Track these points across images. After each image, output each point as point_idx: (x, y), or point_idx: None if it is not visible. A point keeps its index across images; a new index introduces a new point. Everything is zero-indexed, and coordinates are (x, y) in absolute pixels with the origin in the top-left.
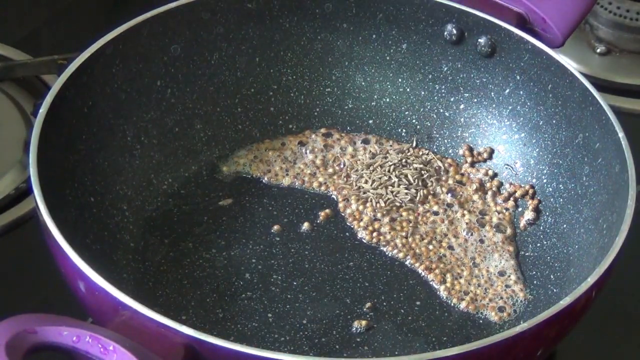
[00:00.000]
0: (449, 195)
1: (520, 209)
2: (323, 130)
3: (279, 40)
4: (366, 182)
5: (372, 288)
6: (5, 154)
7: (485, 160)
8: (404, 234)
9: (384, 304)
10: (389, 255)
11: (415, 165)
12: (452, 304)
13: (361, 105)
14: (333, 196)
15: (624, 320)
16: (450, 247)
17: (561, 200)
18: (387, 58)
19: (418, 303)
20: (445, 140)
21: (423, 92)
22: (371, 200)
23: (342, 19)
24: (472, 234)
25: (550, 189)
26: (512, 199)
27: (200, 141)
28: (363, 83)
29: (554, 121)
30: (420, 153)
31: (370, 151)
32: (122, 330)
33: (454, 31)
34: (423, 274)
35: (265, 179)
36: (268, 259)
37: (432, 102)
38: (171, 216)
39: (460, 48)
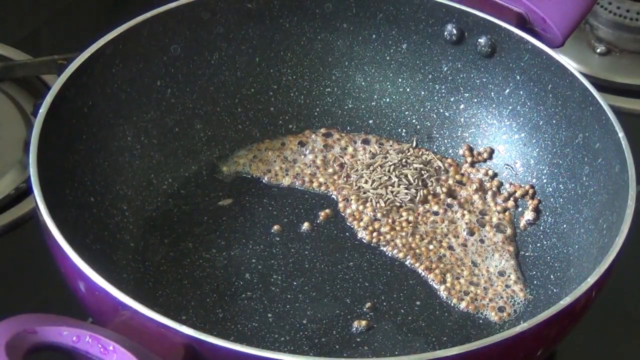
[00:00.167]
0: (449, 195)
1: (520, 209)
2: (323, 130)
3: (279, 40)
4: (366, 182)
5: (372, 288)
6: (5, 154)
7: (485, 160)
8: (404, 234)
9: (384, 304)
10: (389, 255)
11: (415, 165)
12: (452, 304)
13: (361, 105)
14: (333, 196)
15: (624, 320)
16: (451, 247)
17: (561, 200)
18: (387, 58)
19: (418, 303)
20: (445, 140)
21: (423, 92)
22: (371, 200)
23: (342, 19)
24: (472, 234)
25: (550, 189)
26: (512, 199)
27: (200, 141)
28: (363, 83)
29: (554, 121)
30: (420, 153)
31: (370, 151)
32: (122, 330)
33: (454, 31)
34: (423, 274)
35: (265, 179)
36: (268, 259)
37: (432, 102)
38: (171, 216)
39: (460, 48)
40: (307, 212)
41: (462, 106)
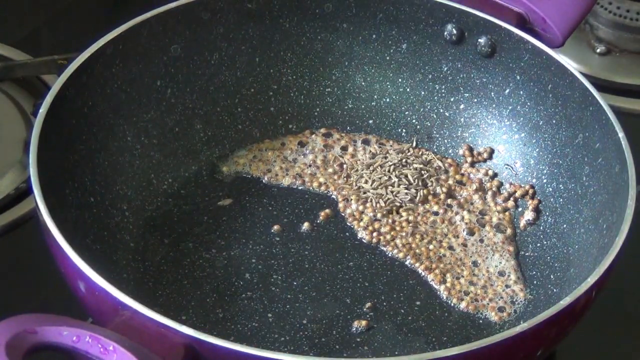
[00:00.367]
0: (449, 195)
1: (520, 209)
2: (323, 130)
3: (279, 40)
4: (366, 182)
5: (372, 288)
6: (5, 154)
7: (485, 160)
8: (404, 234)
9: (384, 304)
10: (389, 255)
11: (415, 165)
12: (452, 304)
13: (361, 105)
14: (333, 196)
15: (624, 320)
16: (451, 247)
17: (561, 200)
18: (387, 58)
19: (418, 303)
20: (445, 140)
21: (423, 92)
22: (371, 200)
23: (342, 19)
24: (472, 234)
25: (550, 189)
26: (512, 199)
27: (200, 141)
28: (363, 83)
29: (554, 121)
30: (420, 153)
31: (370, 151)
32: (122, 330)
33: (454, 31)
34: (423, 274)
35: (265, 179)
36: (268, 259)
37: (432, 102)
38: (171, 216)
39: (460, 48)
40: (307, 212)
41: (462, 106)
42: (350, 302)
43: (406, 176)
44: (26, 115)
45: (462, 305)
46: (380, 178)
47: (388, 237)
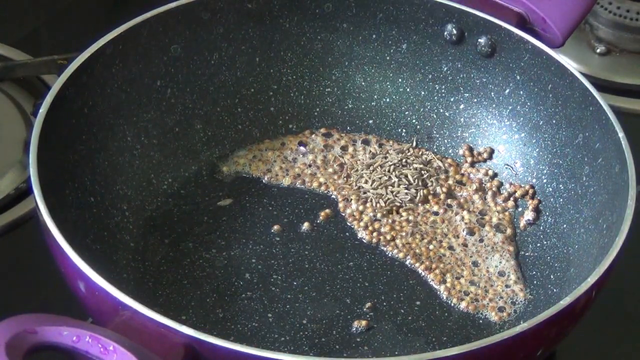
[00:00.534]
0: (449, 195)
1: (520, 209)
2: (323, 130)
3: (279, 40)
4: (366, 182)
5: (372, 288)
6: (5, 154)
7: (485, 160)
8: (404, 234)
9: (384, 304)
10: (389, 255)
11: (415, 165)
12: (452, 304)
13: (361, 105)
14: (333, 196)
15: (624, 320)
16: (451, 247)
17: (561, 200)
18: (387, 58)
19: (418, 303)
20: (445, 140)
21: (423, 92)
22: (371, 200)
23: (342, 19)
24: (472, 234)
25: (550, 189)
26: (512, 199)
27: (200, 141)
28: (363, 83)
29: (554, 121)
30: (420, 153)
31: (370, 151)
32: (122, 330)
33: (454, 31)
34: (423, 274)
35: (265, 179)
36: (268, 259)
37: (432, 102)
38: (171, 216)
39: (460, 48)
40: (307, 212)
41: (462, 106)
42: (350, 302)
43: (406, 176)
44: (26, 115)
45: (462, 305)
46: (380, 178)
47: (388, 237)
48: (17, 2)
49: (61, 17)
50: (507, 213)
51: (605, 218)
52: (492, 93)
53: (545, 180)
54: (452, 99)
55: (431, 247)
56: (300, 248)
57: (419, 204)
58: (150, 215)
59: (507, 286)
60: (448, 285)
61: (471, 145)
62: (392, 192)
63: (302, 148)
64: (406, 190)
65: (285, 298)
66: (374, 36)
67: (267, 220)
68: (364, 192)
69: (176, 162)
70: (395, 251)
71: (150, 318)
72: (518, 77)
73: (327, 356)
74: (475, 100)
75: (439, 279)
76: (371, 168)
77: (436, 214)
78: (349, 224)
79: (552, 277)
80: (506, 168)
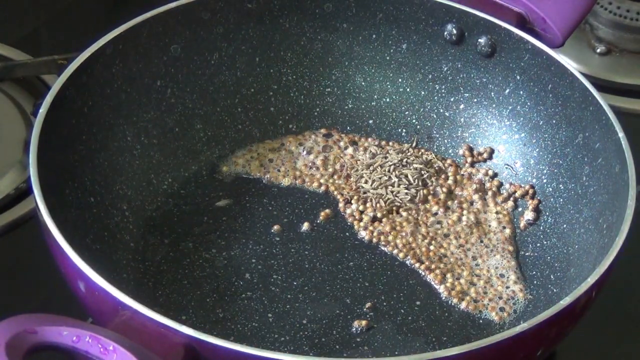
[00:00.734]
0: (449, 195)
1: (520, 209)
2: (323, 131)
3: (279, 40)
4: (366, 182)
5: (372, 288)
6: (5, 154)
7: (485, 160)
8: (404, 234)
9: (384, 304)
10: (389, 255)
11: (415, 165)
12: (452, 304)
13: (361, 105)
14: (333, 196)
15: (624, 320)
16: (451, 247)
17: (561, 200)
18: (387, 58)
19: (418, 303)
20: (445, 140)
21: (423, 92)
22: (371, 200)
23: (342, 19)
24: (472, 234)
25: (550, 189)
26: (512, 199)
27: (200, 141)
28: (363, 83)
29: (554, 121)
30: (420, 153)
31: (370, 151)
32: (122, 330)
33: (454, 31)
34: (423, 274)
35: (265, 179)
36: (268, 259)
37: (432, 102)
38: (171, 216)
39: (460, 48)
40: (307, 212)
41: (462, 106)
42: (350, 302)
43: (406, 176)
44: (26, 115)
45: (462, 305)
46: (380, 178)
47: (388, 237)
48: (17, 2)
49: (61, 17)
50: (507, 213)
51: (605, 218)
52: (492, 93)
53: (545, 180)
54: (452, 99)
55: (431, 247)
56: (300, 248)
57: (419, 204)
58: (150, 215)
59: (507, 286)
60: (448, 285)
61: (471, 145)
62: (392, 192)
63: (302, 148)
64: (406, 190)
65: (285, 298)
66: (374, 36)
67: (267, 220)
68: (364, 192)
69: (176, 162)
70: (395, 251)
71: (150, 318)
72: (518, 77)
73: (327, 356)
74: (475, 100)
75: (439, 279)
76: (371, 168)
77: (436, 214)
78: (349, 224)
79: (552, 277)
80: (506, 168)
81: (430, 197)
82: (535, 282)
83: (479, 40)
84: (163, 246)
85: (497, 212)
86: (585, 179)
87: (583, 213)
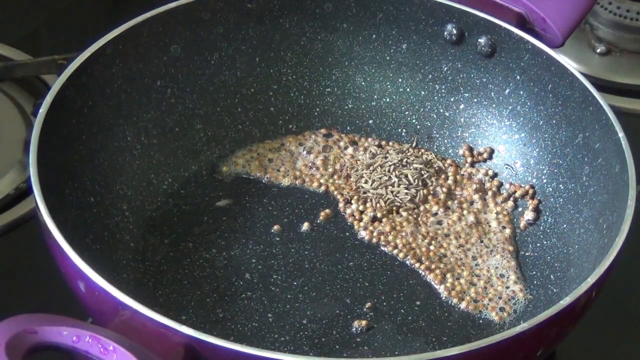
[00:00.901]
0: (449, 195)
1: (520, 209)
2: (323, 131)
3: (279, 40)
4: (366, 182)
5: (372, 288)
6: (5, 154)
7: (485, 160)
8: (404, 234)
9: (384, 304)
10: (389, 255)
11: (415, 165)
12: (452, 304)
13: (361, 105)
14: (333, 196)
15: (624, 320)
16: (451, 247)
17: (561, 200)
18: (387, 58)
19: (418, 303)
20: (445, 140)
21: (423, 92)
22: (371, 200)
23: (342, 19)
24: (472, 234)
25: (550, 189)
26: (512, 199)
27: (200, 141)
28: (363, 83)
29: (554, 121)
30: (420, 153)
31: (370, 151)
32: (122, 330)
33: (454, 31)
34: (423, 274)
35: (265, 179)
36: (268, 259)
37: (432, 102)
38: (171, 216)
39: (460, 48)
40: (307, 212)
41: (462, 106)
42: (350, 302)
43: (406, 176)
44: (26, 115)
45: (462, 305)
46: (380, 178)
47: (388, 237)
48: (17, 2)
49: (61, 17)
50: (507, 213)
51: (605, 218)
52: (492, 93)
53: (545, 180)
54: (452, 99)
55: (431, 247)
56: (300, 248)
57: (419, 204)
58: (150, 215)
59: (507, 286)
60: (448, 285)
61: (471, 145)
62: (392, 192)
63: (302, 148)
64: (406, 190)
65: (285, 298)
66: (374, 36)
67: (267, 220)
68: (364, 192)
69: (176, 162)
70: (396, 251)
71: (150, 318)
72: (518, 77)
73: (327, 356)
74: (475, 100)
75: (439, 279)
76: (371, 168)
77: (436, 214)
78: (349, 224)
79: (552, 277)
80: (506, 168)
81: (430, 197)
82: (535, 282)
83: (479, 40)
84: (163, 246)
85: (497, 212)
86: (585, 179)
87: (583, 213)
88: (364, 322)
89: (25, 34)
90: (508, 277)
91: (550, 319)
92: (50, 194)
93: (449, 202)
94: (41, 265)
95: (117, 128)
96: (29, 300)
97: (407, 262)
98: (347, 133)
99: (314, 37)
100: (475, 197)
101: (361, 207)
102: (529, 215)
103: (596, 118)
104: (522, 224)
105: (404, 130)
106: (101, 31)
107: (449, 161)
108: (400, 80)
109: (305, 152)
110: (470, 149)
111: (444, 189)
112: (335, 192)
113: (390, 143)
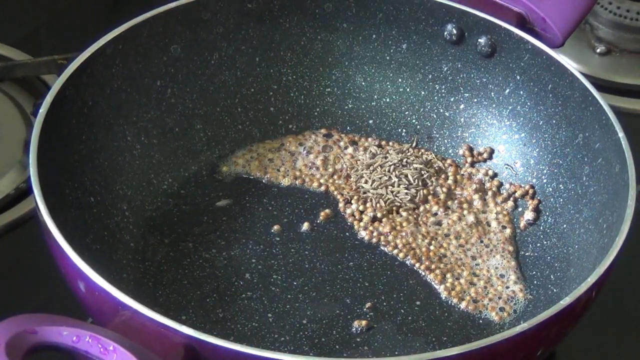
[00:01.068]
0: (449, 195)
1: (520, 209)
2: (323, 131)
3: (279, 40)
4: (366, 182)
5: (372, 288)
6: (5, 154)
7: (485, 160)
8: (404, 234)
9: (384, 304)
10: (389, 255)
11: (415, 165)
12: (452, 304)
13: (361, 105)
14: (333, 196)
15: (624, 320)
16: (451, 247)
17: (561, 200)
18: (387, 58)
19: (418, 303)
20: (445, 140)
21: (423, 92)
22: (371, 200)
23: (342, 19)
24: (472, 234)
25: (550, 189)
26: (512, 199)
27: (200, 141)
28: (363, 83)
29: (554, 121)
30: (420, 153)
31: (370, 151)
32: (122, 330)
33: (454, 31)
34: (423, 274)
35: (265, 179)
36: (268, 259)
37: (432, 102)
38: (171, 216)
39: (460, 48)
40: (307, 212)
41: (462, 106)
42: (350, 302)
43: (406, 176)
44: (26, 115)
45: (462, 305)
46: (380, 178)
47: (388, 237)
48: (17, 2)
49: (61, 17)
50: (507, 213)
51: (605, 218)
52: (492, 93)
53: (545, 180)
54: (452, 99)
55: (431, 247)
56: (300, 248)
57: (419, 204)
58: (150, 215)
59: (507, 286)
60: (448, 285)
61: (471, 145)
62: (392, 192)
63: (302, 148)
64: (406, 190)
65: (285, 298)
66: (374, 36)
67: (267, 220)
68: (364, 192)
69: (176, 162)
70: (395, 251)
71: (150, 318)
72: (518, 77)
73: (327, 356)
74: (475, 100)
75: (439, 279)
76: (371, 168)
77: (436, 214)
78: (349, 224)
79: (552, 277)
80: (506, 168)
81: (430, 197)
82: (535, 282)
83: (479, 40)
84: (163, 246)
85: (497, 212)
86: (585, 179)
87: (583, 213)
88: (364, 322)
89: (25, 34)
90: (508, 277)
91: (550, 319)
92: (50, 194)
93: (449, 202)
94: (41, 265)
95: (117, 128)
96: (29, 300)
97: (407, 262)
98: (347, 133)
99: (314, 37)
100: (475, 197)
101: (361, 207)
102: (529, 215)
103: (596, 118)
104: (522, 224)
105: (404, 130)
106: (101, 31)
107: (449, 161)
108: (400, 80)
109: (305, 152)
110: (470, 149)
111: (444, 189)
112: (335, 192)
113: (390, 143)
